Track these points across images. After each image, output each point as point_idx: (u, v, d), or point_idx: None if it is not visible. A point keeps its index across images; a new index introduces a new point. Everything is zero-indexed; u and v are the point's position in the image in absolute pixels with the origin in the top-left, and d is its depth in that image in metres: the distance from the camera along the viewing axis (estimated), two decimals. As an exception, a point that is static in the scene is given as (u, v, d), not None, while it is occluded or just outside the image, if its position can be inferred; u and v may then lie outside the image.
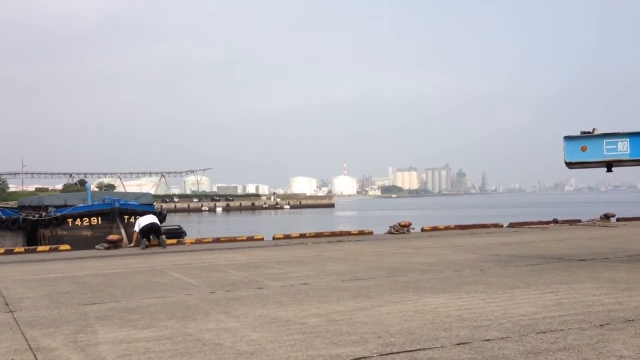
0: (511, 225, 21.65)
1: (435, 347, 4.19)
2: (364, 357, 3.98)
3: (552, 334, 4.49)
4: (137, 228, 17.26)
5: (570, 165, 8.62)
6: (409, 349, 4.18)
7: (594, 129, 8.40)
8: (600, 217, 22.48)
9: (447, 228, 20.66)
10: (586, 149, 8.30)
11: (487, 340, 4.36)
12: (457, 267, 9.19)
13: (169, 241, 17.14)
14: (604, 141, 8.27)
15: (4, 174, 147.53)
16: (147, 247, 16.44)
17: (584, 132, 8.41)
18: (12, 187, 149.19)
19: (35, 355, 4.40)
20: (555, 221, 22.12)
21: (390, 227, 19.50)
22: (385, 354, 4.04)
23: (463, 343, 4.29)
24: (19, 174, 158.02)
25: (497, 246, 13.03)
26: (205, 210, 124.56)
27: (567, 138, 8.50)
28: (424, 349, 4.17)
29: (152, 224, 17.13)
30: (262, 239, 18.28)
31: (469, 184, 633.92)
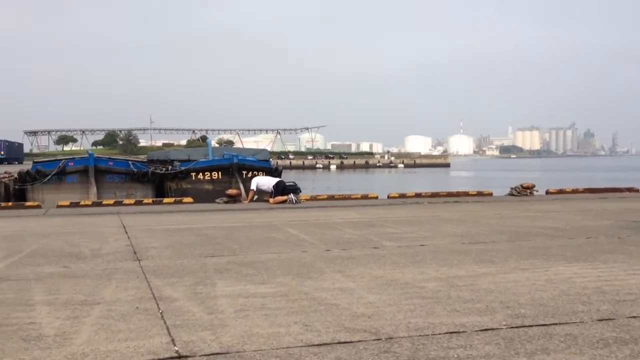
0: (648, 189, 19.83)
1: (574, 322, 3.77)
2: (492, 329, 3.65)
3: None
4: (253, 186, 17.34)
5: None
6: (543, 322, 3.79)
7: None
8: None
9: (574, 191, 19.31)
10: None
11: (634, 317, 3.88)
12: (590, 233, 8.46)
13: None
14: None
15: (135, 130, 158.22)
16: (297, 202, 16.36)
17: None
18: (142, 142, 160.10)
19: (158, 305, 4.50)
20: (701, 186, 19.98)
21: (512, 188, 18.53)
22: (516, 327, 3.69)
23: (606, 319, 3.83)
24: (147, 129, 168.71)
25: (634, 212, 11.92)
26: (319, 168, 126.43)
27: None
28: (560, 323, 3.76)
29: (279, 182, 17.23)
30: (376, 198, 18.07)
31: (598, 145, 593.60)
